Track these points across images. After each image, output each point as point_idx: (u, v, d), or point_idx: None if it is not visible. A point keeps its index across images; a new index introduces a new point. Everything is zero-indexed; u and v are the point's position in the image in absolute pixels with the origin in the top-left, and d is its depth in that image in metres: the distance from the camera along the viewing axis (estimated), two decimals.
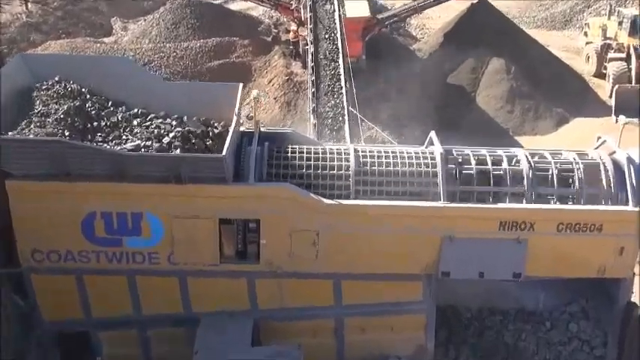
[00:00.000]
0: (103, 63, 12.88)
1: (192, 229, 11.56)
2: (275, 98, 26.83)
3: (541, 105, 27.64)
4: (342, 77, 20.51)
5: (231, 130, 11.43)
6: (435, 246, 11.84)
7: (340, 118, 18.49)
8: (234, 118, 11.68)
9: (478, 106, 27.85)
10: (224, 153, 10.76)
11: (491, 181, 12.01)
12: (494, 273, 12.04)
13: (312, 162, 12.15)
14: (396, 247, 11.87)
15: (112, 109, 12.38)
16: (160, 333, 12.21)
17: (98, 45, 30.56)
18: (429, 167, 12.14)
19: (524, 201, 11.93)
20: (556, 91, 28.30)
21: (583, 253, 11.89)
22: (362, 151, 12.49)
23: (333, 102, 19.21)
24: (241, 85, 12.39)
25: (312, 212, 11.62)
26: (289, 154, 12.27)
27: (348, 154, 12.35)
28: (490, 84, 28.21)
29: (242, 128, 12.95)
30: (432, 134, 12.66)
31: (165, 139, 11.79)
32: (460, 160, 12.30)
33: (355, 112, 18.35)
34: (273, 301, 12.18)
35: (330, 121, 18.59)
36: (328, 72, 21.34)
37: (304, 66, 25.44)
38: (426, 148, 12.81)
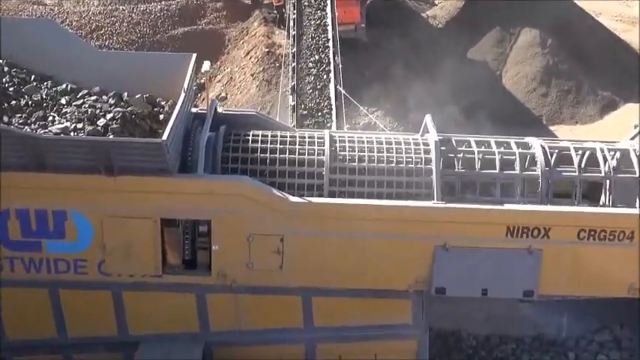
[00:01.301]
0: (22, 27, 12.82)
1: (127, 232, 11.73)
2: (252, 75, 27.05)
3: (584, 87, 27.75)
4: (331, 50, 20.64)
5: (176, 109, 11.52)
6: (426, 256, 11.99)
7: (327, 101, 18.59)
8: (182, 95, 11.81)
9: (504, 88, 27.93)
10: (165, 137, 10.88)
11: (498, 190, 12.18)
12: (501, 290, 12.19)
13: (277, 151, 12.29)
14: (378, 257, 12.02)
15: (34, 84, 12.53)
16: None
17: (36, 7, 30.78)
18: (421, 160, 12.27)
19: (537, 203, 12.14)
20: (603, 69, 28.33)
21: (610, 267, 12.01)
22: (340, 139, 12.66)
23: (318, 80, 19.33)
24: (195, 55, 12.54)
25: (276, 213, 11.76)
26: (250, 142, 12.40)
27: (323, 142, 12.49)
28: (520, 60, 28.31)
29: (196, 109, 13.20)
30: (427, 119, 12.80)
31: (101, 122, 11.97)
32: (460, 152, 12.45)
33: (345, 92, 18.47)
34: (228, 321, 12.36)
35: (313, 103, 18.73)
36: (314, 43, 21.47)
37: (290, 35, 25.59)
38: (421, 136, 12.98)
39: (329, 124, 18.04)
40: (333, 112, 18.33)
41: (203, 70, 11.83)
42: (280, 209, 11.72)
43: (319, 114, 18.80)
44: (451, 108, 25.43)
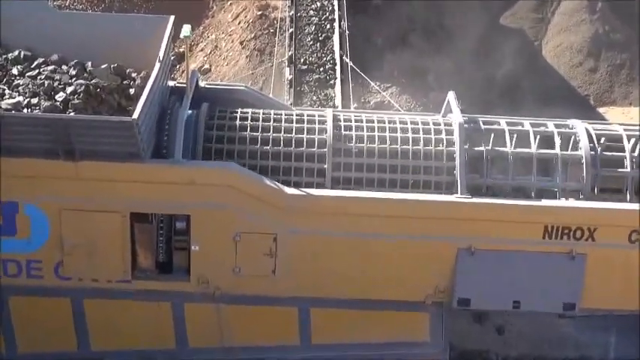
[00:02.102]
0: None
1: (90, 228, 11.81)
2: (242, 43, 26.99)
3: None
4: (336, 12, 20.63)
5: (150, 82, 11.59)
6: (447, 261, 12.10)
7: (330, 55, 18.51)
8: (157, 66, 11.86)
9: (545, 61, 27.89)
10: (136, 115, 10.94)
11: (534, 168, 12.28)
12: (536, 303, 12.32)
13: (270, 133, 12.41)
14: (390, 261, 12.12)
15: None
16: None
17: None
18: (442, 144, 12.42)
19: (581, 198, 12.23)
20: None
21: None
22: (345, 119, 12.78)
23: (320, 49, 19.34)
24: (172, 17, 12.63)
25: (269, 207, 11.85)
26: (237, 122, 12.51)
27: (325, 122, 12.62)
28: (564, 28, 28.25)
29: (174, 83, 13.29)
30: (450, 96, 12.92)
31: (60, 96, 12.05)
32: (489, 136, 12.54)
33: (352, 64, 18.51)
34: (210, 336, 12.46)
35: (314, 57, 18.65)
36: (315, 5, 21.48)
37: None
38: (443, 116, 13.10)
39: (332, 81, 17.94)
40: (337, 87, 18.36)
41: (182, 35, 11.88)
42: (274, 203, 11.81)
43: (321, 69, 18.77)
44: (479, 84, 25.37)
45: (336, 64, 18.31)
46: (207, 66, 27.38)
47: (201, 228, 11.89)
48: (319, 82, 18.57)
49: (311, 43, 19.43)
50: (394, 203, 11.88)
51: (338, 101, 17.99)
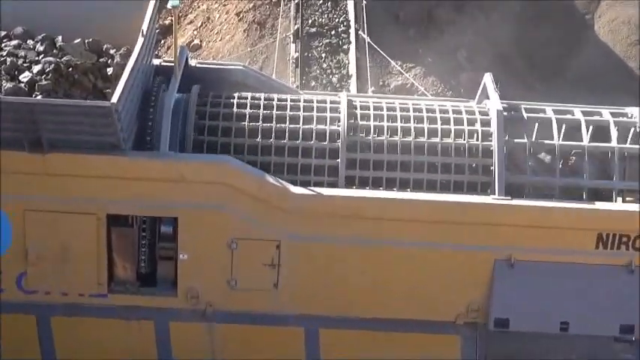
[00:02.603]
0: None
1: (60, 233, 11.83)
2: (238, 14, 26.95)
3: None
4: None
5: (131, 60, 11.60)
6: (482, 274, 12.12)
7: (344, 16, 18.31)
8: (140, 41, 11.88)
9: (597, 38, 27.80)
10: (115, 99, 10.94)
11: (587, 164, 12.30)
12: (588, 325, 12.30)
13: (272, 123, 12.42)
14: (414, 274, 12.13)
15: None
16: None
17: None
18: (476, 136, 12.44)
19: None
20: None
21: None
22: (362, 106, 12.80)
23: (332, 9, 19.18)
24: None
25: (271, 209, 11.87)
26: (234, 108, 12.52)
27: (338, 110, 12.63)
28: None
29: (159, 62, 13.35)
30: (487, 79, 12.94)
31: (25, 76, 12.03)
32: (533, 126, 12.59)
33: (370, 40, 18.48)
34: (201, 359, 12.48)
35: (324, 18, 18.51)
36: None
37: None
38: (477, 103, 13.15)
39: (345, 46, 17.82)
40: (352, 53, 18.16)
41: (170, 5, 11.87)
42: (277, 204, 11.83)
43: (332, 33, 18.68)
44: (519, 65, 25.27)
45: (349, 28, 18.13)
46: (197, 41, 27.33)
47: (190, 233, 11.90)
48: (330, 47, 18.46)
49: (321, 2, 19.36)
50: (420, 206, 11.88)
51: (352, 70, 17.87)
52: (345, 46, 17.63)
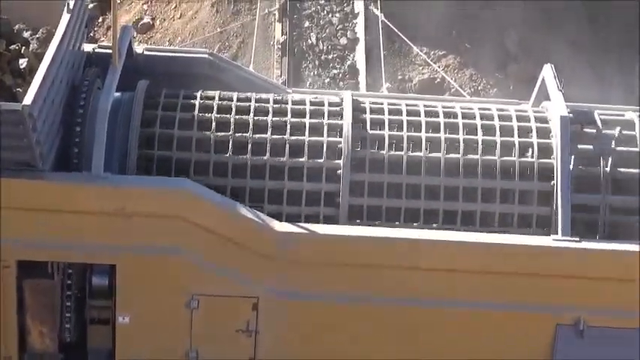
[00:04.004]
0: None
1: None
2: None
3: None
4: None
5: (52, 46, 11.57)
6: (539, 344, 12.16)
7: (346, 34, 18.53)
8: (65, 19, 11.88)
9: None
10: (28, 101, 10.85)
11: None
12: None
13: (249, 132, 12.46)
14: (444, 343, 12.16)
15: None
16: None
17: None
18: (531, 152, 12.49)
19: None
20: None
21: None
22: (373, 109, 12.86)
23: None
24: None
25: (246, 253, 11.87)
26: (196, 112, 12.57)
27: (340, 114, 12.68)
28: None
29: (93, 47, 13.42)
30: (546, 72, 12.97)
31: None
32: (610, 138, 12.58)
33: (386, 20, 18.45)
34: None
35: (320, 41, 18.74)
36: None
37: None
38: (533, 106, 13.24)
39: (351, 27, 17.84)
40: (360, 50, 18.26)
41: None
42: (255, 246, 11.85)
43: (332, 7, 18.69)
44: (587, 55, 25.38)
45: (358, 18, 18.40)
46: (148, 19, 27.39)
47: (133, 286, 11.92)
48: (330, 28, 18.54)
49: None
50: (453, 249, 11.87)
51: (360, 60, 17.90)
52: (350, 27, 17.59)
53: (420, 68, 24.88)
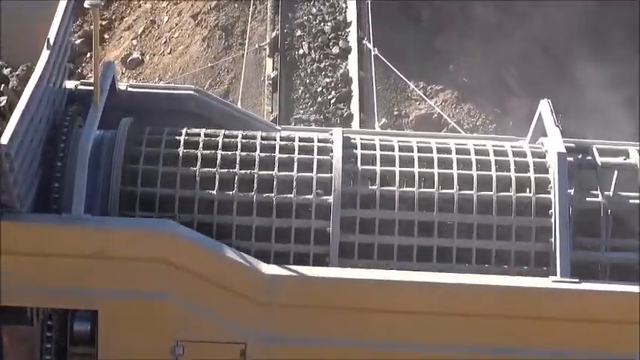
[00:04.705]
0: None
1: None
2: (195, 16, 27.14)
3: None
4: None
5: (31, 83, 11.53)
6: None
7: (339, 69, 18.48)
8: (45, 56, 11.86)
9: None
10: (5, 140, 10.77)
11: None
12: None
13: (237, 168, 12.47)
14: None
15: None
16: None
17: None
18: (529, 189, 12.49)
19: None
20: None
21: None
22: (365, 147, 12.86)
23: (321, 24, 19.35)
24: None
25: (233, 297, 11.83)
26: (181, 150, 12.57)
27: (330, 150, 12.71)
28: None
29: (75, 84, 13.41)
30: (543, 107, 13.00)
31: None
32: (611, 175, 12.59)
33: (379, 54, 18.42)
34: None
35: (312, 75, 18.71)
36: None
37: None
38: (531, 142, 13.29)
39: (344, 62, 17.83)
40: (354, 84, 18.26)
41: (87, 3, 11.74)
42: (242, 290, 11.80)
43: (324, 42, 18.65)
44: (594, 89, 25.38)
45: (349, 35, 18.32)
46: (137, 55, 27.43)
47: (116, 332, 11.84)
48: (323, 61, 18.52)
49: None
50: (447, 292, 11.82)
51: (355, 117, 17.94)
52: (343, 62, 17.63)
53: (417, 103, 24.90)
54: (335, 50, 19.86)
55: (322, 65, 19.63)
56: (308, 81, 19.40)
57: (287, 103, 18.70)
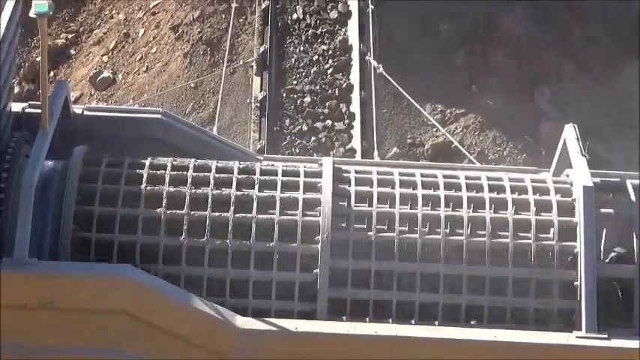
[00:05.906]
0: None
1: None
2: (175, 28, 27.25)
3: None
4: None
5: None
6: None
7: (339, 90, 18.54)
8: None
9: None
10: None
11: None
12: None
13: (208, 209, 12.45)
14: None
15: None
16: None
17: None
18: (552, 232, 12.43)
19: None
20: None
21: None
22: (359, 182, 12.86)
23: (318, 38, 19.44)
24: None
25: (203, 353, 11.84)
26: (143, 185, 12.58)
27: (318, 185, 12.67)
28: None
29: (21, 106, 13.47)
30: (568, 133, 12.98)
31: None
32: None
33: (384, 71, 18.47)
34: None
35: (307, 97, 18.79)
36: None
37: None
38: (554, 174, 13.34)
39: (344, 82, 17.92)
40: (355, 107, 18.30)
41: (33, 12, 11.73)
42: (213, 347, 11.82)
43: (321, 57, 18.78)
44: (626, 116, 25.53)
45: (351, 51, 18.42)
46: (108, 74, 27.57)
47: None
48: (318, 81, 18.59)
49: (304, 4, 19.82)
50: (458, 349, 11.81)
51: (355, 140, 17.97)
52: (343, 28, 17.71)
53: (434, 130, 24.87)
54: (333, 15, 19.89)
55: (319, 32, 19.64)
56: (302, 49, 19.40)
57: (278, 74, 18.67)
